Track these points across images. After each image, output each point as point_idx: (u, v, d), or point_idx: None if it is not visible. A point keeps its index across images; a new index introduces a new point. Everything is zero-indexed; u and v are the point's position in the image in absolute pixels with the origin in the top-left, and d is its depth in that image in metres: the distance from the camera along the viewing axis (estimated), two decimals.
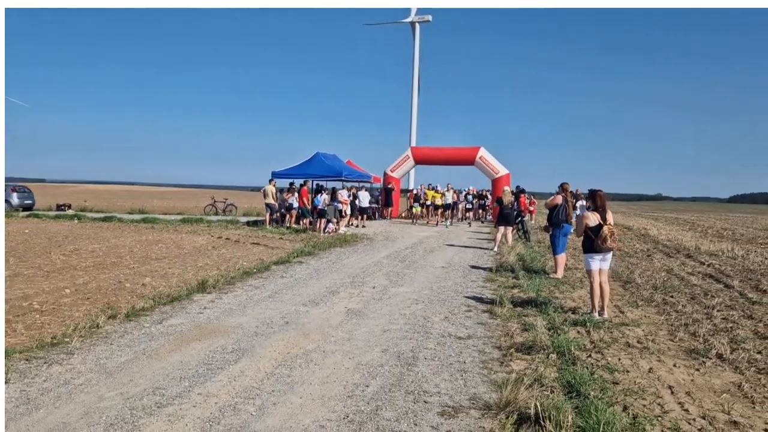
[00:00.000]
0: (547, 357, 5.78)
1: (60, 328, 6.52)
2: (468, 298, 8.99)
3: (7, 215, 25.86)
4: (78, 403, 4.46)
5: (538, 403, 4.14)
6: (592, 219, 7.59)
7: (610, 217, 7.67)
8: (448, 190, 27.70)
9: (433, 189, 27.95)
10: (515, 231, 18.39)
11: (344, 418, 4.28)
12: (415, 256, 14.18)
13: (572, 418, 4.05)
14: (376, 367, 5.52)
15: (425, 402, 4.65)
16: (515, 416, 4.24)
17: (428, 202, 27.37)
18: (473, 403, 4.65)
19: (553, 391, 4.83)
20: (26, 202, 29.94)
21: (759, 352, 6.23)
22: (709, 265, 13.36)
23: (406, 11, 35.98)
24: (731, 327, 7.32)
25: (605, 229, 7.46)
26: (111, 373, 5.17)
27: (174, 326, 6.84)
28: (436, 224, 25.98)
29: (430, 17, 48.49)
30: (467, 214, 29.17)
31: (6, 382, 4.79)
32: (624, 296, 9.34)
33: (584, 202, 17.80)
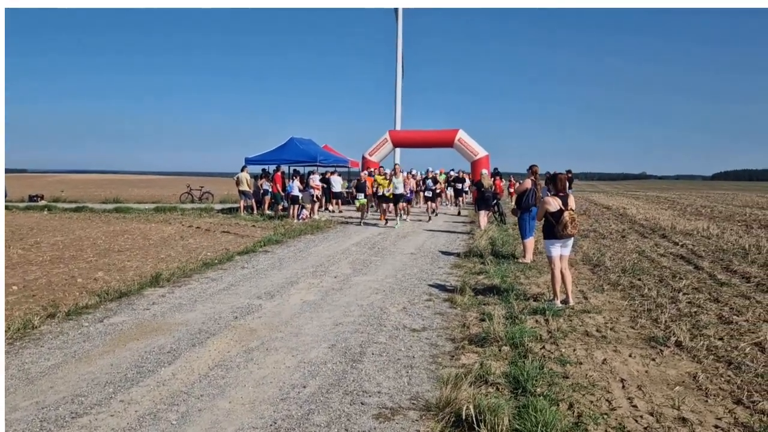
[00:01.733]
0: (499, 350, 5.55)
1: None
2: (431, 286, 8.75)
3: None
4: None
5: (471, 406, 3.88)
6: (553, 204, 7.33)
7: (571, 202, 7.42)
8: (396, 174, 18.18)
9: (384, 174, 19.53)
10: (491, 214, 18.17)
11: (271, 425, 4.01)
12: (386, 242, 13.91)
13: (509, 421, 3.81)
14: (318, 365, 5.25)
15: (362, 404, 4.39)
16: (452, 419, 4.00)
17: (380, 192, 18.48)
18: (413, 404, 4.40)
19: (499, 389, 4.59)
20: None
21: (720, 339, 6.03)
22: (682, 246, 13.21)
23: (390, 11, 35.55)
24: (695, 312, 7.12)
25: (566, 215, 7.19)
26: (32, 379, 4.85)
27: (115, 325, 6.51)
28: (386, 222, 18.73)
29: None
30: (429, 205, 21.38)
31: None
32: (591, 280, 9.13)
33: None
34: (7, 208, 25.47)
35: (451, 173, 27.21)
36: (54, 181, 71.65)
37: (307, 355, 5.53)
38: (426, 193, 21.46)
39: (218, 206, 26.28)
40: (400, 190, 18.13)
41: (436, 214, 21.86)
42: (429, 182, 21.64)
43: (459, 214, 23.54)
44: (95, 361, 5.29)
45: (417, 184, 23.22)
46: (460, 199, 25.59)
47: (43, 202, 28.90)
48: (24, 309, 7.19)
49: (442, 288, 8.57)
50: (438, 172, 25.49)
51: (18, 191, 35.82)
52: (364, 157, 29.86)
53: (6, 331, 6.01)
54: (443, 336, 6.18)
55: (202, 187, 33.35)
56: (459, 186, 25.39)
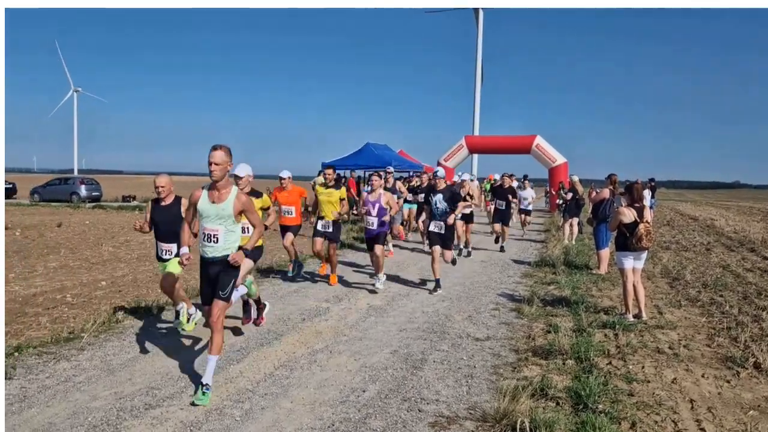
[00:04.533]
0: (563, 363, 5.45)
1: (81, 323, 6.63)
2: (499, 295, 8.66)
3: (74, 207, 27.10)
4: (71, 402, 4.49)
5: (527, 420, 3.85)
6: (628, 215, 7.10)
7: (647, 213, 7.17)
8: (326, 183, 9.00)
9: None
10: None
11: (329, 427, 4.12)
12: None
13: None
14: (379, 370, 5.33)
15: (420, 411, 4.44)
16: (508, 431, 3.97)
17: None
18: (471, 414, 4.40)
19: (559, 403, 4.52)
20: (94, 193, 31.30)
21: None
22: None
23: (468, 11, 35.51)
24: None
25: (641, 227, 6.96)
26: (113, 370, 5.20)
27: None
28: (326, 269, 9.79)
29: None
30: (436, 248, 8.69)
31: (8, 378, 4.88)
32: (668, 294, 8.77)
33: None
34: (102, 207, 27.20)
35: (495, 177, 18.28)
36: (148, 182, 75.60)
37: (369, 359, 5.62)
38: (435, 227, 8.77)
39: None
40: (322, 224, 8.94)
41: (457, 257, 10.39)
42: (436, 200, 8.73)
43: (503, 249, 13.78)
44: (171, 356, 5.60)
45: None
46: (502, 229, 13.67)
47: (135, 203, 30.65)
48: (111, 304, 7.68)
49: (509, 297, 8.47)
50: (472, 177, 14.82)
51: (116, 191, 38.16)
52: (439, 163, 29.86)
53: (92, 324, 6.44)
54: (507, 346, 6.12)
55: None
56: (503, 205, 13.46)
